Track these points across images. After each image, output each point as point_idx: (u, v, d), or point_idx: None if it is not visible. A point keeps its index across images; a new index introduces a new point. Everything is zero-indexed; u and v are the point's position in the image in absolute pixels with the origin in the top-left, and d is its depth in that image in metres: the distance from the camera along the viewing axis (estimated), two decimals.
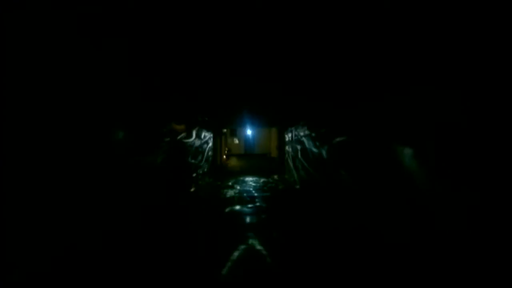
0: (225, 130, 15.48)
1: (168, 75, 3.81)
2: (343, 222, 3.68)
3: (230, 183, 8.25)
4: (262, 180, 8.98)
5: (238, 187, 7.52)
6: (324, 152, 4.72)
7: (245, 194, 6.42)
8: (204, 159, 10.03)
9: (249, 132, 17.65)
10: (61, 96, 2.19)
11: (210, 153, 11.01)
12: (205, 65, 3.46)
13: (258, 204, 5.33)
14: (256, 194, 6.41)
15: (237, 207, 5.06)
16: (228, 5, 2.08)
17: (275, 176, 9.88)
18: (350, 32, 2.49)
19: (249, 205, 5.19)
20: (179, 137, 6.97)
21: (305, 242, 3.19)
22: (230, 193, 6.64)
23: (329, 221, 3.91)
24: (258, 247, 3.06)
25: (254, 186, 7.65)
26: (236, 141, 18.14)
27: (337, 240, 3.18)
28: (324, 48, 2.91)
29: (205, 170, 10.03)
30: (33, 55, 1.90)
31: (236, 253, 2.87)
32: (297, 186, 7.48)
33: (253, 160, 14.38)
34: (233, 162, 14.04)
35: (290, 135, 9.69)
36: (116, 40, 2.67)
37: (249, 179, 9.24)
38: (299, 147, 7.65)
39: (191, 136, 8.08)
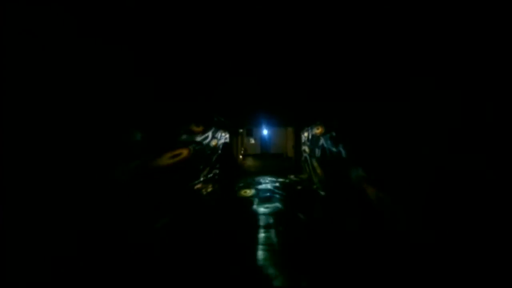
0: (241, 130, 15.53)
1: (184, 75, 3.85)
2: (362, 223, 3.53)
3: (247, 183, 8.24)
4: (278, 180, 8.89)
5: (255, 188, 7.49)
6: (343, 152, 4.56)
7: (262, 195, 6.37)
8: None
9: (265, 132, 17.60)
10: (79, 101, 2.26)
11: None
12: (222, 66, 3.46)
13: (276, 204, 5.27)
14: (273, 195, 6.34)
15: (255, 208, 5.03)
16: (245, 7, 2.04)
17: (292, 176, 9.75)
18: (367, 31, 2.37)
19: (267, 205, 5.14)
20: (199, 139, 7.06)
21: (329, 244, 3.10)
22: (248, 193, 6.62)
23: (348, 222, 3.78)
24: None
25: (271, 187, 7.58)
26: (252, 141, 18.16)
27: (358, 241, 3.06)
28: (341, 47, 2.80)
29: None
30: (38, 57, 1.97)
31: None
32: (315, 186, 7.32)
33: (269, 160, 14.30)
34: (249, 162, 14.04)
35: (306, 134, 9.52)
36: (127, 41, 2.71)
37: (265, 179, 9.18)
38: (316, 146, 7.49)
39: (207, 136, 8.16)
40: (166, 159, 4.60)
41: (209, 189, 7.17)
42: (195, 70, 3.59)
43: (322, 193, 6.31)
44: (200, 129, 7.39)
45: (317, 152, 7.34)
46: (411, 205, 2.49)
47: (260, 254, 2.93)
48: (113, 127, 2.82)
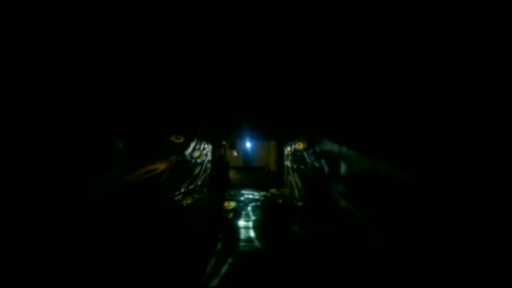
0: (224, 143, 15.44)
1: (168, 84, 3.79)
2: (341, 237, 3.58)
3: (228, 196, 8.12)
4: (260, 193, 8.86)
5: (236, 200, 7.40)
6: (326, 168, 4.68)
7: (243, 208, 6.29)
8: (202, 171, 9.94)
9: (248, 145, 17.63)
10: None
11: (208, 165, 10.92)
12: (207, 75, 3.46)
13: (257, 217, 5.21)
14: (255, 208, 6.28)
15: (235, 221, 4.94)
16: (232, 12, 2.08)
17: (274, 190, 9.77)
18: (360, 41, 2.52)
19: (248, 219, 5.07)
20: (181, 150, 6.91)
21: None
22: (229, 206, 6.52)
23: (330, 240, 3.82)
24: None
25: (252, 200, 7.52)
26: (235, 153, 18.06)
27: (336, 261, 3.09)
28: (328, 62, 2.92)
29: (203, 181, 9.90)
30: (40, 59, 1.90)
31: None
32: (297, 202, 7.37)
33: (252, 173, 14.24)
34: (232, 174, 13.88)
35: (289, 149, 9.67)
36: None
37: (247, 192, 9.11)
38: (298, 161, 7.61)
39: (189, 147, 8.03)
40: (146, 170, 4.46)
41: (189, 201, 6.98)
42: (178, 77, 3.55)
43: (303, 207, 6.35)
44: (182, 140, 7.27)
45: (300, 166, 7.45)
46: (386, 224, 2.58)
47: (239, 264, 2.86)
48: (92, 136, 2.71)
